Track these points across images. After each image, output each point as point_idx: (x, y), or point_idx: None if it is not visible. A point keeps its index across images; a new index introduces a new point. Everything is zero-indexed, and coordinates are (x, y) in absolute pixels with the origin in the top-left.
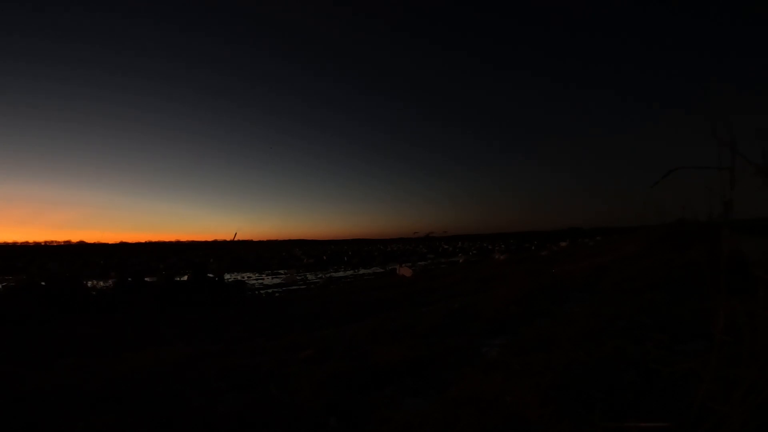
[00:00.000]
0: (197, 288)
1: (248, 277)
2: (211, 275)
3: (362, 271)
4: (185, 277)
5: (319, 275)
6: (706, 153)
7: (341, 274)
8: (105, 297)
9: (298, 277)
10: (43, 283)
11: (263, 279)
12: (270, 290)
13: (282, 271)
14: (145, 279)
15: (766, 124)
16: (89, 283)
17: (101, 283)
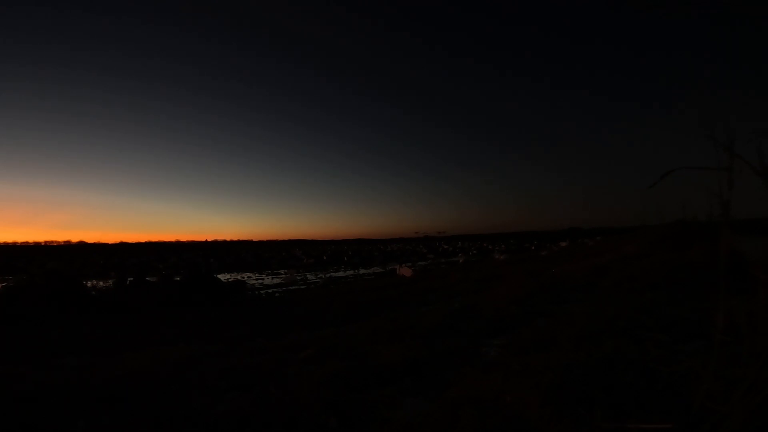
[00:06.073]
0: (197, 288)
1: (248, 277)
2: (211, 275)
3: (362, 271)
4: (185, 278)
5: (319, 275)
6: (705, 154)
7: (341, 274)
8: (105, 297)
9: (298, 277)
10: (43, 283)
11: (263, 279)
12: (270, 290)
13: (282, 271)
14: (145, 279)
15: (763, 124)
16: (89, 283)
17: (101, 283)
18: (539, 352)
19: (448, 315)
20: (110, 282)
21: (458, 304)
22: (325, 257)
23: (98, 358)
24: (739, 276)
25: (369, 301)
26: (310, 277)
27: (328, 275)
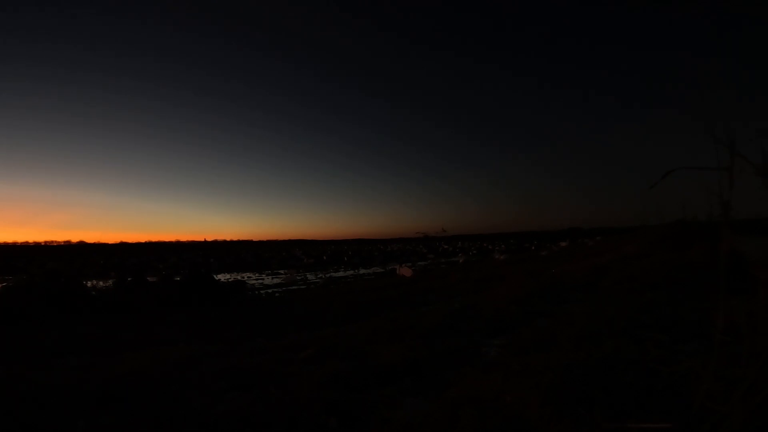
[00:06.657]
0: (197, 288)
1: (248, 277)
2: (211, 275)
3: (362, 271)
4: (185, 278)
5: (319, 275)
6: (705, 154)
7: (341, 274)
8: (105, 297)
9: (298, 277)
10: (43, 283)
11: (263, 279)
12: (270, 290)
13: (282, 271)
14: (145, 279)
15: (764, 124)
16: (89, 283)
17: (101, 283)
18: (539, 352)
19: (448, 315)
20: (110, 282)
21: (458, 304)
22: (325, 257)
23: (98, 358)
24: (739, 276)
25: (369, 301)
26: (310, 277)
27: (328, 275)
